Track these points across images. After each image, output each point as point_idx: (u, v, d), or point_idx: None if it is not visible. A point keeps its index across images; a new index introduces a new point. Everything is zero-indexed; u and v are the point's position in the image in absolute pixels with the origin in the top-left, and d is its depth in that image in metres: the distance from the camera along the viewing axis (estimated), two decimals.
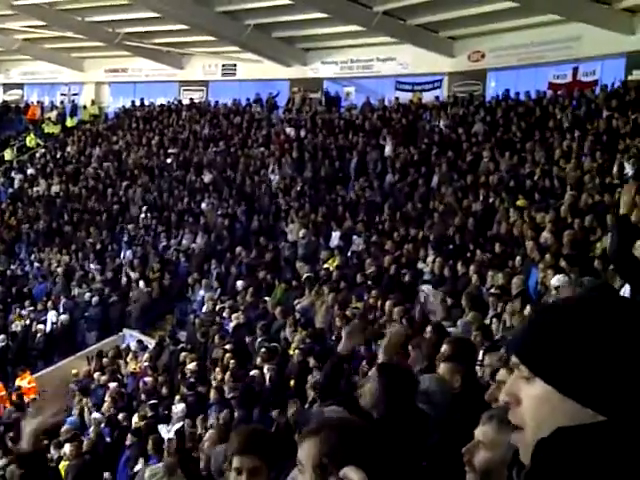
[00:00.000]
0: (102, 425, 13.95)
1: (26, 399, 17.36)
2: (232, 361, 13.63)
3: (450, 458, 3.08)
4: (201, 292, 19.11)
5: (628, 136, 17.09)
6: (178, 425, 12.51)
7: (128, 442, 12.77)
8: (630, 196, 5.14)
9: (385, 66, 28.04)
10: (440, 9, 24.22)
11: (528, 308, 9.45)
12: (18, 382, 18.38)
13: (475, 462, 2.60)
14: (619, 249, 4.94)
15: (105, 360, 17.56)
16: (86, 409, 15.24)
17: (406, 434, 4.21)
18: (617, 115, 18.54)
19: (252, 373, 13.12)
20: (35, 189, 28.32)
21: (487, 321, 10.81)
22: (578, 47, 23.07)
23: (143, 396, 14.75)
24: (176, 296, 20.24)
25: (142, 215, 23.91)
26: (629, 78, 21.75)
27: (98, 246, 23.09)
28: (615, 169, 15.70)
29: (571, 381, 1.37)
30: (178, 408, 13.19)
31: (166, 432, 12.36)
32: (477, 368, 6.10)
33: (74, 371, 17.50)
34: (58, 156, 30.69)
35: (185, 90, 33.01)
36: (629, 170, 15.34)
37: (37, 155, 31.63)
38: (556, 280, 10.45)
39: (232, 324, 16.03)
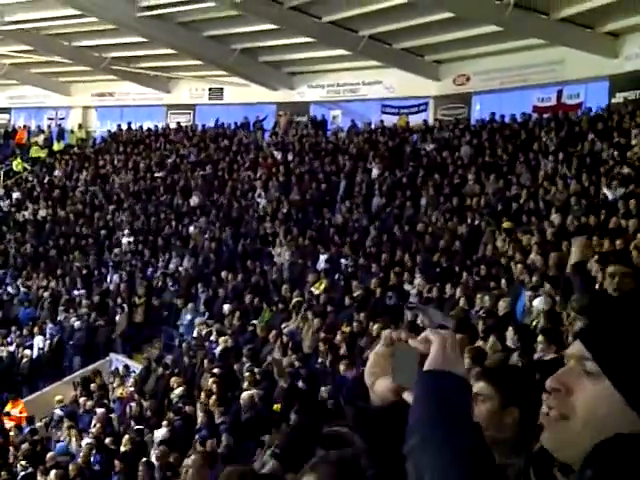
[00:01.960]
0: (93, 451, 13.82)
1: (7, 424, 17.15)
2: (216, 386, 13.51)
3: None
4: (188, 316, 19.05)
5: (611, 159, 17.21)
6: (158, 450, 12.35)
7: (116, 468, 12.68)
8: (580, 249, 5.39)
9: (371, 90, 28.21)
10: (425, 33, 24.41)
11: (511, 331, 9.44)
12: (9, 409, 18.18)
13: (476, 412, 2.67)
14: (592, 296, 5.10)
15: (93, 385, 17.45)
16: (74, 435, 15.10)
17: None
18: (601, 138, 18.67)
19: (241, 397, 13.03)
20: (22, 213, 28.23)
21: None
22: (562, 70, 23.29)
23: (132, 422, 14.65)
24: (163, 320, 20.15)
25: (129, 239, 23.86)
26: (612, 101, 21.95)
27: (84, 271, 23.00)
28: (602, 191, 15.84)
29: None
30: (159, 433, 13.08)
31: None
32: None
33: (58, 397, 17.35)
34: (45, 180, 30.64)
35: (172, 114, 33.07)
36: (609, 194, 15.44)
37: (24, 179, 31.56)
38: (538, 302, 10.49)
39: (219, 348, 15.96)
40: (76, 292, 22.09)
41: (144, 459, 12.10)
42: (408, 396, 1.60)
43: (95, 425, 14.73)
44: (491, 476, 1.44)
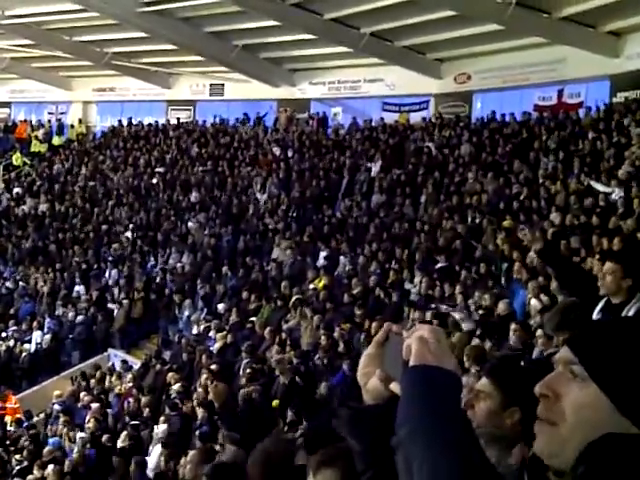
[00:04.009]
0: (87, 446, 13.80)
1: (8, 418, 17.16)
2: (211, 381, 13.46)
3: None
4: (187, 312, 19.03)
5: (611, 158, 17.22)
6: (158, 446, 12.33)
7: (114, 464, 12.66)
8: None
9: (372, 87, 28.18)
10: (427, 31, 24.37)
11: (513, 326, 9.45)
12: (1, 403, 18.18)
13: (476, 409, 2.62)
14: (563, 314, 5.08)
15: (93, 381, 17.44)
16: (67, 431, 15.06)
17: None
18: (602, 137, 18.65)
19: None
20: (22, 208, 28.22)
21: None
22: (563, 69, 23.25)
23: (127, 418, 14.62)
24: (162, 315, 20.13)
25: (128, 234, 23.84)
26: (614, 100, 21.93)
27: (84, 265, 22.98)
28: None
29: (628, 397, 1.39)
30: (159, 429, 13.07)
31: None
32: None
33: (57, 392, 17.35)
34: (45, 175, 30.61)
35: (172, 109, 33.02)
36: (599, 188, 15.48)
37: (24, 174, 31.54)
38: (537, 302, 10.48)
39: (218, 344, 15.95)
40: (77, 288, 22.08)
41: (137, 457, 12.08)
42: (395, 386, 1.62)
43: (90, 420, 14.69)
44: (481, 467, 1.43)
